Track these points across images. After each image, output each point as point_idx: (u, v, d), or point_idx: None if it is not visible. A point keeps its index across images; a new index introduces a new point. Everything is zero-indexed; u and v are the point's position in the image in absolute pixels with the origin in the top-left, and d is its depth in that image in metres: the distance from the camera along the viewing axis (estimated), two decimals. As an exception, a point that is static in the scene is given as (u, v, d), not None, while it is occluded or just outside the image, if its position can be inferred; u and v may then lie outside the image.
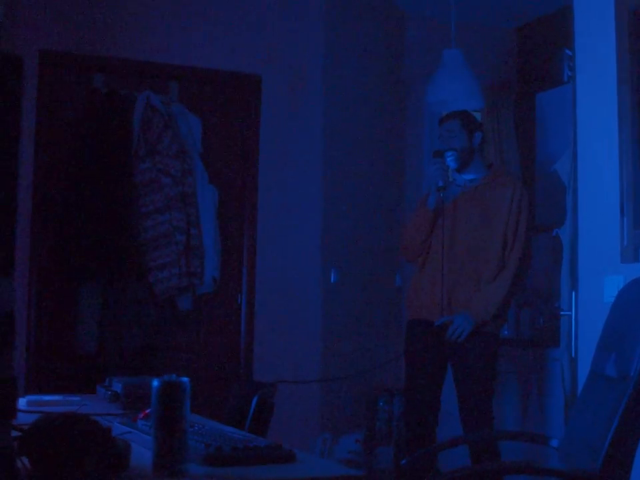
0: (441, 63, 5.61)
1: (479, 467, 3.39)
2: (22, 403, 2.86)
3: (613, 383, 2.42)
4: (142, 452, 1.96)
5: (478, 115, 6.23)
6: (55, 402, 2.97)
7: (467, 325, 4.20)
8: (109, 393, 3.03)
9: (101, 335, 5.17)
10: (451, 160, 4.37)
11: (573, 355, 4.23)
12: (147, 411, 2.30)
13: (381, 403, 5.66)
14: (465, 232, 4.32)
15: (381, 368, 5.67)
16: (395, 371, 5.81)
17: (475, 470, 3.08)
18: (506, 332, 5.62)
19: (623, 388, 2.32)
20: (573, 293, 4.23)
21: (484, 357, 4.26)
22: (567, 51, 5.10)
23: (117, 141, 5.22)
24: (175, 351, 5.42)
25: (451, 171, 4.40)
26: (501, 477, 4.15)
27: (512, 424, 5.34)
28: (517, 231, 4.29)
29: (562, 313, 4.65)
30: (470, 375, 4.24)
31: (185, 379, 1.83)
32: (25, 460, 1.74)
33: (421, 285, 4.42)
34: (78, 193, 5.14)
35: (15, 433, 1.79)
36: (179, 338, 5.46)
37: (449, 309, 4.27)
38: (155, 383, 1.82)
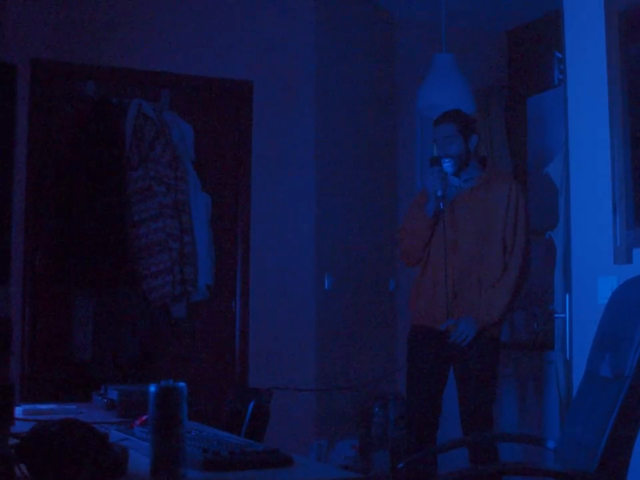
0: (431, 67, 5.62)
1: (477, 468, 3.39)
2: (18, 412, 2.86)
3: (607, 383, 2.43)
4: (139, 458, 1.96)
5: (475, 120, 6.25)
6: (50, 411, 2.96)
7: (471, 330, 4.20)
8: (105, 400, 3.03)
9: (96, 343, 5.17)
10: (448, 166, 4.35)
11: (568, 357, 4.24)
12: (144, 417, 2.30)
13: (376, 408, 5.67)
14: (464, 235, 4.31)
15: (381, 379, 5.69)
16: (390, 377, 5.81)
17: (473, 471, 3.08)
18: (501, 336, 5.62)
19: (617, 388, 2.33)
20: (567, 295, 4.23)
21: (486, 361, 4.26)
22: (557, 54, 5.12)
23: (109, 149, 5.22)
24: (170, 359, 5.42)
25: (447, 175, 4.38)
26: (499, 478, 4.16)
27: (508, 426, 5.34)
28: (515, 232, 4.28)
29: (556, 315, 4.66)
30: (472, 379, 4.24)
31: (182, 384, 1.83)
32: (23, 467, 1.74)
33: (423, 291, 4.41)
34: (71, 201, 5.14)
35: (12, 441, 1.79)
36: (174, 345, 5.46)
37: (452, 313, 4.26)
38: (152, 388, 1.82)
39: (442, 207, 4.28)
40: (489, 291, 4.26)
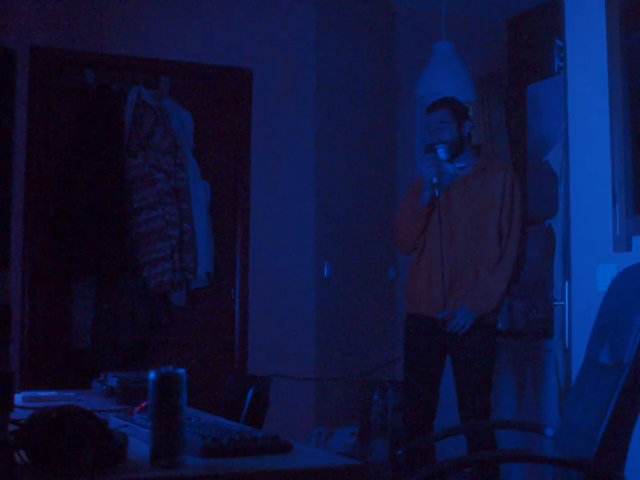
0: (431, 55, 5.62)
1: (476, 455, 3.40)
2: (17, 398, 2.86)
3: (606, 371, 2.43)
4: (139, 445, 1.96)
5: (469, 108, 6.24)
6: (50, 397, 2.97)
7: (469, 319, 4.19)
8: (105, 387, 3.04)
9: (95, 331, 5.17)
10: (441, 152, 4.33)
11: (567, 344, 4.24)
12: (143, 404, 2.30)
13: (376, 396, 5.67)
14: (460, 223, 4.30)
15: (380, 367, 5.70)
16: (390, 364, 5.82)
17: (472, 459, 3.09)
18: (499, 324, 5.63)
19: (616, 375, 2.33)
20: (566, 283, 4.23)
21: (482, 349, 4.25)
22: (558, 42, 5.12)
23: (108, 136, 5.22)
24: (169, 346, 5.43)
25: (442, 162, 4.37)
26: (498, 465, 4.16)
27: (507, 415, 5.35)
28: (511, 219, 4.26)
29: (555, 303, 4.66)
30: (469, 367, 4.23)
31: (182, 371, 1.83)
32: (23, 453, 1.75)
33: (419, 279, 4.39)
34: (70, 189, 5.13)
35: (12, 427, 1.79)
36: (173, 333, 5.46)
37: (448, 301, 4.25)
38: (152, 374, 1.82)
39: (437, 194, 4.26)
40: (485, 279, 4.25)
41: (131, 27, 5.38)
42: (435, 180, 4.24)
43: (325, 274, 5.74)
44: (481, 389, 4.22)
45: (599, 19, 3.82)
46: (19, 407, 2.57)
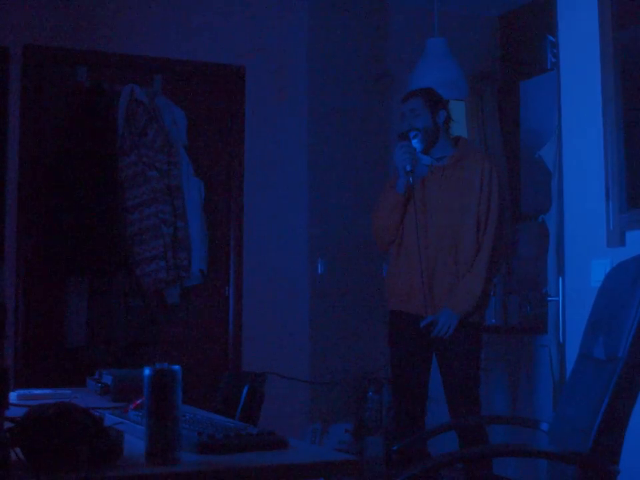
0: (424, 51, 5.61)
1: (471, 450, 3.39)
2: (12, 397, 2.86)
3: (601, 365, 2.43)
4: (134, 442, 1.96)
5: (462, 104, 6.25)
6: (45, 395, 2.96)
7: (452, 321, 4.13)
8: (99, 385, 3.04)
9: (90, 329, 5.17)
10: (416, 141, 4.23)
11: (561, 340, 4.24)
12: (138, 401, 2.30)
13: (370, 393, 5.68)
14: (437, 215, 4.20)
15: (376, 369, 5.70)
16: (384, 360, 5.82)
17: (468, 453, 3.09)
18: (493, 320, 5.63)
19: (611, 369, 2.33)
20: (560, 279, 4.23)
21: (467, 345, 4.19)
22: (550, 38, 5.12)
23: (101, 134, 5.21)
24: (164, 344, 5.42)
25: (417, 152, 4.31)
26: (490, 460, 4.15)
27: (501, 411, 5.36)
28: (489, 211, 4.18)
29: (549, 298, 4.66)
30: (455, 365, 4.18)
31: (177, 367, 1.83)
32: (19, 451, 1.74)
33: (398, 274, 4.31)
34: (64, 187, 5.13)
35: (7, 424, 1.79)
36: (167, 331, 5.46)
37: (430, 297, 4.21)
38: (147, 371, 1.82)
39: (411, 181, 4.16)
40: (465, 278, 4.17)
41: (124, 25, 5.37)
42: (408, 167, 4.14)
43: (319, 271, 5.74)
44: (468, 386, 4.18)
45: (591, 14, 3.82)
46: (13, 405, 2.57)
